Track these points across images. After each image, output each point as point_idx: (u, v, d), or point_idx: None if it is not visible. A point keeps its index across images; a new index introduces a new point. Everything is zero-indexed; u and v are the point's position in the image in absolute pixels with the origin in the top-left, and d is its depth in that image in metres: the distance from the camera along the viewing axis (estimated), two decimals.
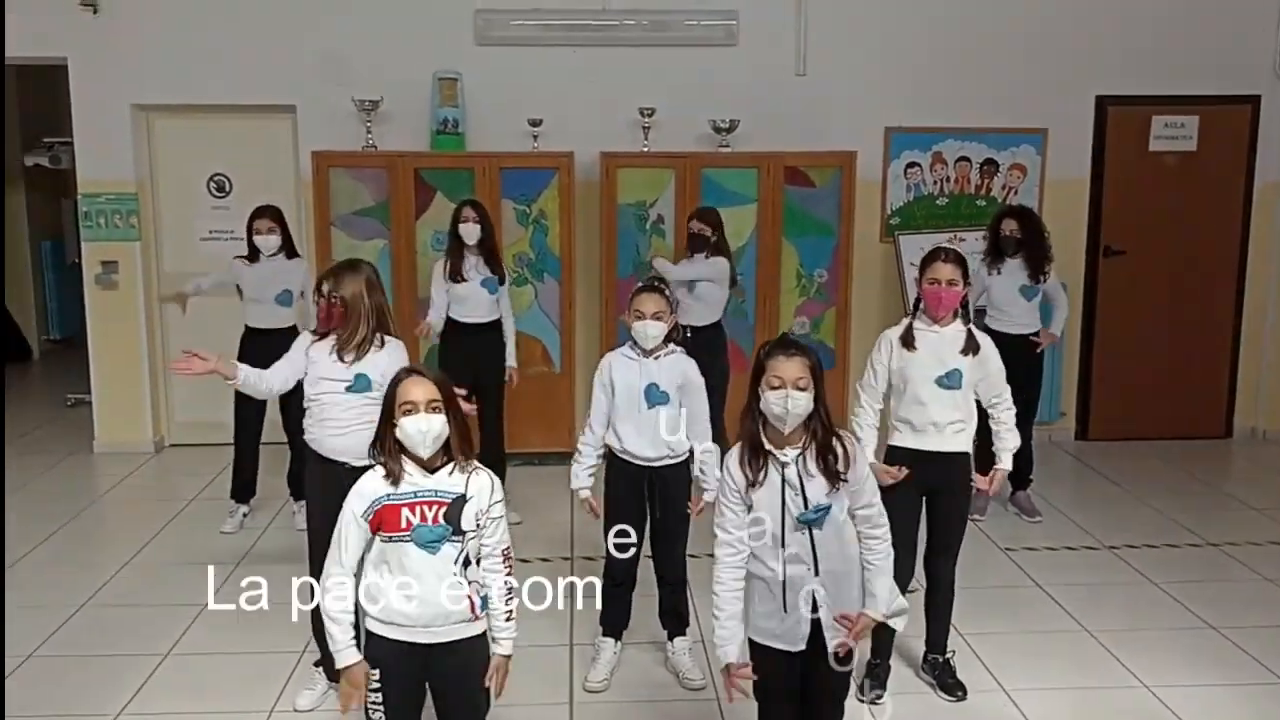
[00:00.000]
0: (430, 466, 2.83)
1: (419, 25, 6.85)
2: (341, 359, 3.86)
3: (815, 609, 2.90)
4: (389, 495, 2.81)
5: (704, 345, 5.51)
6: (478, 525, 2.84)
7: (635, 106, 6.76)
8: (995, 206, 7.08)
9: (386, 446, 2.83)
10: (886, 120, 7.13)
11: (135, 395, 7.19)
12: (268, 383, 4.00)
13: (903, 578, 4.04)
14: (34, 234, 10.22)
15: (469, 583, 2.85)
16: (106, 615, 4.82)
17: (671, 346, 4.06)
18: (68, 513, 6.07)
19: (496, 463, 5.71)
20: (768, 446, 2.89)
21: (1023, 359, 5.62)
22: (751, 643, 3.02)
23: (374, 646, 2.87)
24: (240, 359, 5.56)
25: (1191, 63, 7.13)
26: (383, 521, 2.80)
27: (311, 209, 6.68)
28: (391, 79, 6.80)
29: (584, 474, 4.15)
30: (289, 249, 5.73)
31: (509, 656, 2.96)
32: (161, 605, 4.88)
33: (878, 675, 4.06)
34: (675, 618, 4.29)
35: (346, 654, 2.84)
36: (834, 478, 2.85)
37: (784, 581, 2.89)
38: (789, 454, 2.88)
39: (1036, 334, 5.82)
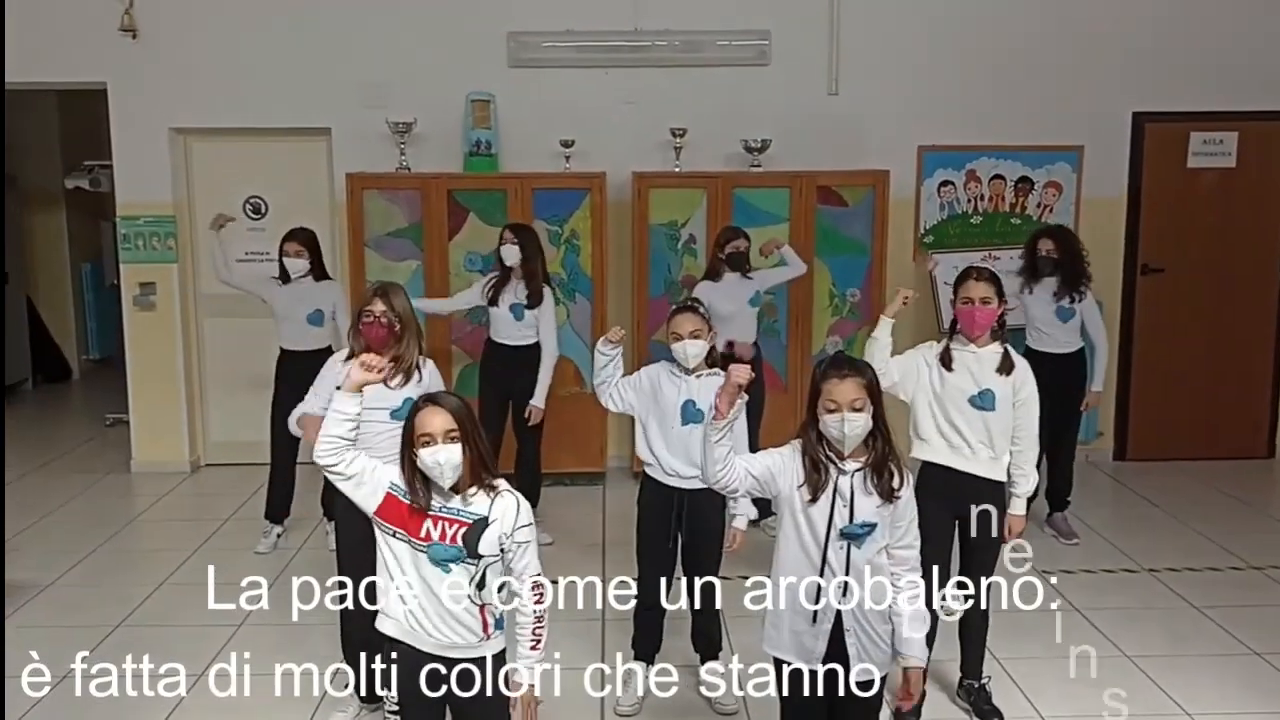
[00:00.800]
0: (454, 490, 2.82)
1: (452, 47, 6.91)
2: (387, 384, 3.76)
3: (837, 630, 2.89)
4: (406, 496, 2.83)
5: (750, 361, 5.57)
6: (501, 550, 2.81)
7: (667, 127, 6.77)
8: (1030, 225, 7.02)
9: (409, 477, 2.82)
10: (919, 139, 7.09)
11: (172, 415, 7.26)
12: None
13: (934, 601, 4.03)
14: (74, 256, 10.36)
15: (482, 605, 2.82)
16: (141, 635, 4.84)
17: (714, 370, 4.03)
18: (105, 532, 6.12)
19: (531, 484, 5.72)
20: (830, 454, 2.89)
21: (1063, 378, 5.60)
22: (776, 661, 3.01)
23: (389, 651, 2.86)
24: (277, 381, 5.70)
25: (1230, 78, 7.05)
26: (403, 515, 2.80)
27: (345, 230, 6.72)
28: (425, 101, 6.85)
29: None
30: (318, 272, 5.73)
31: (533, 687, 2.90)
32: (195, 626, 4.90)
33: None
34: (707, 642, 4.26)
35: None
36: (888, 495, 2.86)
37: (817, 595, 2.89)
38: (850, 465, 2.89)
39: (1077, 354, 5.77)
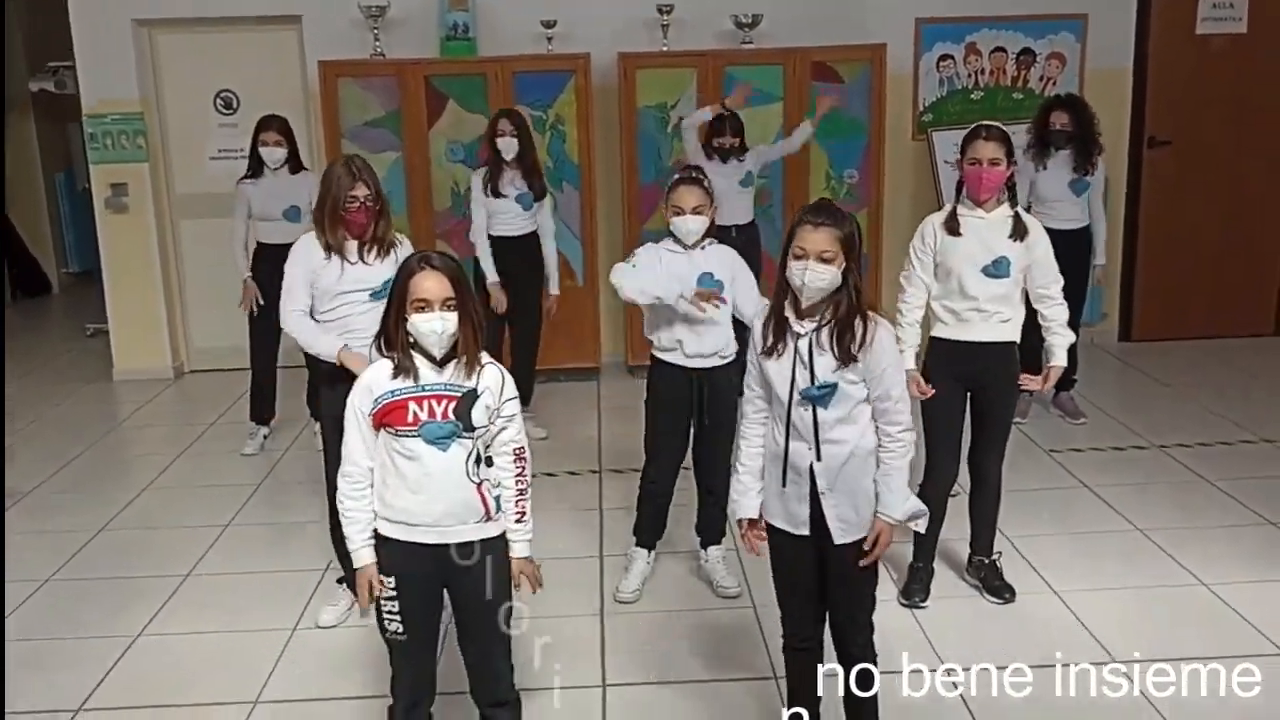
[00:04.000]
0: (439, 362, 2.65)
1: None
2: (364, 259, 3.63)
3: (816, 492, 2.75)
4: (395, 391, 2.64)
5: (747, 241, 5.50)
6: (490, 422, 2.68)
7: (653, 4, 6.46)
8: (1033, 99, 6.74)
9: (396, 341, 2.65)
10: (917, 10, 6.79)
11: (153, 321, 7.05)
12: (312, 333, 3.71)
13: (945, 479, 3.86)
14: (46, 165, 10.03)
15: (482, 481, 2.69)
16: (125, 539, 4.73)
17: (709, 239, 3.84)
18: (86, 440, 5.96)
19: (526, 379, 5.53)
20: (786, 313, 2.73)
21: (1070, 255, 5.33)
22: (767, 527, 2.89)
23: (386, 552, 2.70)
24: (254, 275, 5.48)
25: None
26: (389, 417, 2.64)
27: (320, 122, 6.45)
28: None
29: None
30: (294, 163, 5.50)
31: (528, 558, 2.80)
32: (181, 528, 4.79)
33: (920, 579, 3.90)
34: (713, 526, 4.12)
35: (362, 554, 2.70)
36: (845, 357, 2.67)
37: (785, 456, 2.77)
38: (805, 326, 2.71)
39: (1086, 229, 5.53)
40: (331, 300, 3.65)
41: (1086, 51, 6.89)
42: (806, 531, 2.78)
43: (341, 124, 6.40)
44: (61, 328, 8.85)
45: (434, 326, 2.59)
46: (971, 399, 3.82)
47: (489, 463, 2.73)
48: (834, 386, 2.70)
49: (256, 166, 5.45)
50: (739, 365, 3.85)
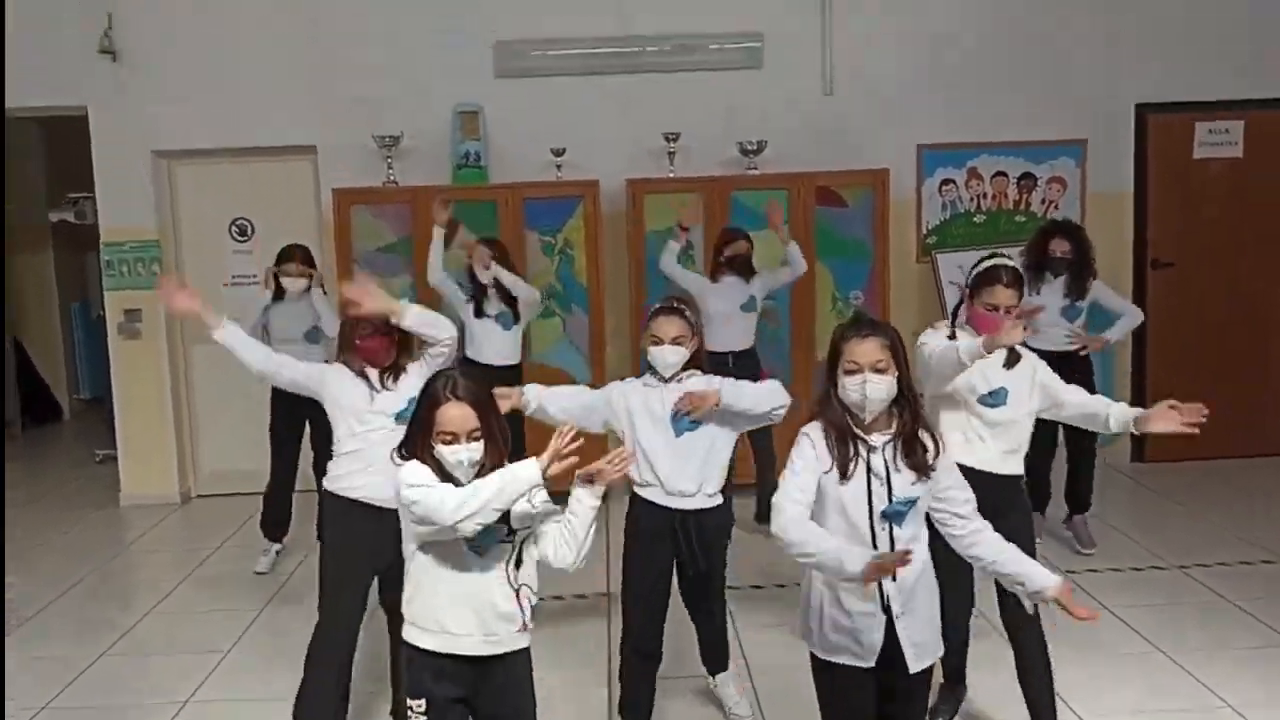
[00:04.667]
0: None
1: (438, 59, 6.76)
2: (384, 385, 3.60)
3: (889, 615, 2.65)
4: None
5: (744, 370, 5.26)
6: (531, 518, 2.67)
7: (660, 132, 6.61)
8: (1035, 222, 6.84)
9: (432, 464, 2.64)
10: (918, 137, 6.94)
11: (162, 445, 7.05)
12: (264, 355, 3.74)
13: (962, 607, 3.61)
14: (63, 295, 10.18)
15: (520, 587, 2.68)
16: (124, 665, 4.63)
17: (693, 371, 3.58)
18: (91, 564, 5.90)
19: None
20: (856, 430, 2.66)
21: (1070, 377, 5.29)
22: (815, 661, 2.76)
23: (417, 668, 2.68)
24: (274, 404, 5.50)
25: (1233, 67, 6.91)
26: None
27: (333, 248, 6.55)
28: (411, 114, 6.71)
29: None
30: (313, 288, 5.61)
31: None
32: (181, 654, 4.70)
33: (948, 699, 3.80)
34: (717, 651, 3.96)
35: (528, 471, 2.53)
36: (922, 470, 2.63)
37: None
38: (877, 439, 2.66)
39: (1081, 347, 5.38)
40: (356, 424, 3.58)
41: (1087, 176, 7.01)
42: (874, 662, 2.68)
43: (354, 250, 6.50)
44: (71, 454, 8.83)
45: (460, 458, 2.59)
46: None
47: (518, 566, 2.70)
48: (914, 501, 2.64)
49: (279, 293, 5.51)
50: (728, 509, 3.72)
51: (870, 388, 2.60)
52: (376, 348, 3.58)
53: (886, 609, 2.65)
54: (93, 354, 10.06)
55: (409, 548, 2.70)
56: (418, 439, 2.65)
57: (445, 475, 2.62)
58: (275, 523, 5.72)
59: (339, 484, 3.66)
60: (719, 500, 3.64)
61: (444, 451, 2.60)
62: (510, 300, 5.60)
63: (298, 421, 5.44)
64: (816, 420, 2.72)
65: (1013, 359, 3.55)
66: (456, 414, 2.59)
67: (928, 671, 2.74)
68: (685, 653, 4.11)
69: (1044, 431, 5.08)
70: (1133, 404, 7.02)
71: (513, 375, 5.46)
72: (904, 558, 2.51)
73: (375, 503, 3.47)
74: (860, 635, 2.67)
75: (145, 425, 7.02)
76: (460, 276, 5.85)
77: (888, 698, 2.74)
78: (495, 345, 5.59)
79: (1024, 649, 3.55)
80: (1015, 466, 3.59)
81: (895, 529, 2.63)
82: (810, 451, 2.68)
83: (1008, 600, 3.44)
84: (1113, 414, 3.48)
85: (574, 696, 4.07)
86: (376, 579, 3.68)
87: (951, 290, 6.68)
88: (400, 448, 2.69)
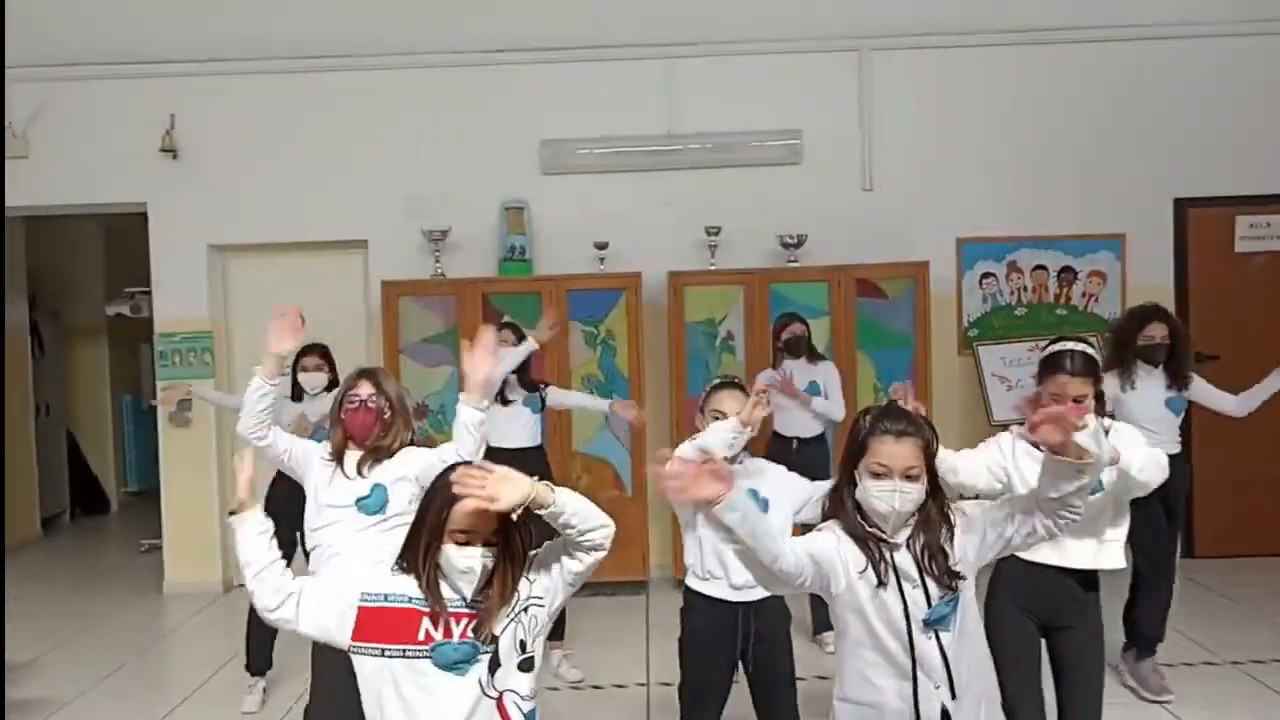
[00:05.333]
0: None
1: (486, 156, 6.96)
2: (360, 472, 3.37)
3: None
4: (410, 598, 2.27)
5: (810, 459, 5.34)
6: (515, 614, 2.31)
7: (701, 227, 6.74)
8: (1076, 315, 6.88)
9: (422, 567, 2.27)
10: (958, 231, 7.00)
11: (206, 534, 7.12)
12: (265, 429, 3.46)
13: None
14: (115, 388, 10.40)
15: (502, 694, 2.29)
16: None
17: (744, 453, 3.39)
18: (130, 651, 5.91)
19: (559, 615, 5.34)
20: (870, 529, 2.37)
21: (1171, 484, 4.11)
22: None
23: None
24: (269, 497, 5.14)
25: (1272, 160, 6.95)
26: (391, 626, 2.25)
27: (381, 338, 6.68)
28: (459, 209, 6.88)
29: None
30: (331, 387, 5.19)
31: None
32: None
33: None
34: None
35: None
36: (947, 579, 2.33)
37: (915, 707, 2.34)
38: (899, 537, 2.36)
39: (1180, 456, 4.79)
40: (320, 515, 3.42)
41: (1127, 269, 7.02)
42: None
43: (400, 340, 6.61)
44: (117, 544, 8.95)
45: (471, 564, 2.23)
46: (1048, 643, 3.29)
47: (525, 666, 2.33)
48: (955, 601, 2.34)
49: (296, 393, 5.18)
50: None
51: (901, 499, 2.31)
52: (365, 422, 3.38)
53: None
54: (141, 447, 10.26)
55: (356, 666, 2.35)
56: (422, 538, 2.28)
57: (435, 590, 2.26)
58: (256, 653, 5.11)
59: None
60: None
61: (452, 555, 2.23)
62: (532, 385, 5.51)
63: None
64: (832, 520, 2.45)
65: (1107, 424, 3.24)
66: (476, 509, 2.19)
67: None
68: None
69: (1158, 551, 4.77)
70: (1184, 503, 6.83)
71: (538, 456, 5.45)
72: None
73: None
74: None
75: (191, 513, 7.11)
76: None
77: None
78: (518, 428, 5.42)
79: None
80: (1110, 559, 3.27)
81: (943, 637, 2.34)
82: (833, 540, 2.40)
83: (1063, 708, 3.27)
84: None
85: None
86: None
87: (994, 382, 6.67)
88: (399, 558, 2.34)
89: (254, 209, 7.00)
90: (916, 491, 2.34)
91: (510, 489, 2.16)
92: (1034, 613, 3.23)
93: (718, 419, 3.37)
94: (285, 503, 4.88)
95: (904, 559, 2.35)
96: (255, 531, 2.45)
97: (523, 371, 5.50)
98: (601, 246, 6.71)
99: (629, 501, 6.61)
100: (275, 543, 2.46)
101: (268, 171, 7.00)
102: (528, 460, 5.18)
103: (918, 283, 6.65)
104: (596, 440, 6.60)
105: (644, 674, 5.22)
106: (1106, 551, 3.23)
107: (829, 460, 5.61)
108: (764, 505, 3.25)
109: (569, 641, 5.34)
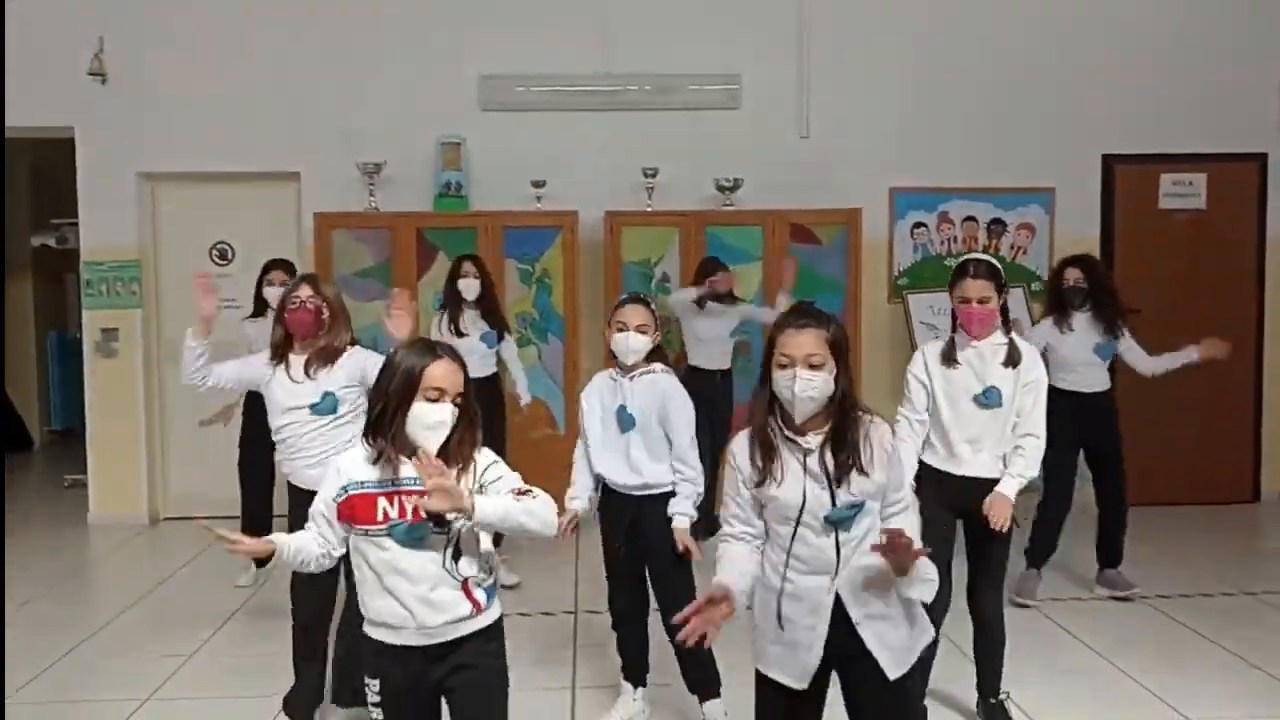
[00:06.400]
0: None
1: (423, 91, 6.90)
2: (307, 373, 3.63)
3: (841, 628, 2.45)
4: (364, 482, 2.49)
5: (728, 390, 6.02)
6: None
7: (639, 168, 6.75)
8: (1006, 266, 6.95)
9: (388, 430, 2.48)
10: (891, 181, 7.10)
11: (132, 467, 7.03)
12: (204, 373, 3.76)
13: (937, 605, 3.66)
14: (39, 324, 10.19)
15: (466, 579, 2.50)
16: (90, 661, 4.63)
17: (653, 366, 3.69)
18: (48, 583, 5.82)
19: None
20: (786, 433, 2.46)
21: (1096, 422, 5.22)
22: (759, 676, 2.58)
23: (371, 650, 2.56)
24: (245, 417, 5.51)
25: (1197, 121, 7.12)
26: (355, 513, 2.49)
27: (314, 269, 6.61)
28: (394, 144, 6.82)
29: (574, 494, 3.83)
30: None
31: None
32: (147, 651, 4.68)
33: None
34: (700, 678, 3.78)
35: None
36: (851, 471, 2.41)
37: (794, 595, 2.47)
38: (812, 440, 2.44)
39: (1108, 393, 5.29)
40: (280, 417, 3.68)
41: (1055, 223, 7.17)
42: (807, 684, 2.48)
43: (333, 273, 6.55)
44: (40, 480, 8.80)
45: (441, 417, 2.45)
46: (965, 528, 3.67)
47: (480, 554, 2.54)
48: (861, 505, 2.43)
49: (260, 307, 5.54)
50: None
51: (800, 384, 2.38)
52: (306, 321, 3.62)
53: (845, 619, 2.45)
54: (66, 385, 10.06)
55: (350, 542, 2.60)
56: (392, 403, 2.47)
57: (392, 462, 2.47)
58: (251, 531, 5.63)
59: (281, 468, 3.81)
60: (665, 490, 3.70)
61: (424, 411, 2.44)
62: (492, 318, 5.64)
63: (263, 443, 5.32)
64: (745, 429, 2.56)
65: (1014, 357, 3.56)
66: (446, 370, 2.47)
67: (906, 687, 2.52)
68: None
69: (1063, 481, 5.26)
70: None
71: (489, 388, 5.53)
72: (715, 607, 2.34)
73: (305, 486, 3.58)
74: (798, 652, 2.49)
75: (117, 445, 7.00)
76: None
77: (859, 713, 2.55)
78: (474, 360, 5.50)
79: (981, 627, 3.74)
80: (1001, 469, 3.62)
81: (841, 536, 2.44)
82: (734, 475, 2.53)
83: (977, 580, 3.69)
84: (1007, 471, 3.61)
85: (540, 705, 4.05)
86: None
87: (922, 329, 6.79)
88: (366, 428, 2.54)
89: (185, 137, 6.87)
90: (820, 379, 2.41)
91: (442, 500, 2.33)
92: (951, 508, 3.61)
93: (621, 330, 3.66)
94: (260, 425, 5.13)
95: (814, 462, 2.44)
96: (292, 558, 2.59)
97: (485, 305, 5.60)
98: (539, 185, 6.70)
99: (561, 439, 6.62)
100: (298, 538, 2.60)
101: (200, 99, 6.87)
102: (480, 391, 5.22)
103: (850, 229, 6.74)
104: (530, 378, 6.59)
105: (573, 603, 5.28)
106: (996, 465, 3.61)
107: (732, 389, 6.21)
108: (629, 422, 3.65)
109: (505, 549, 5.44)
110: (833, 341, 2.45)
